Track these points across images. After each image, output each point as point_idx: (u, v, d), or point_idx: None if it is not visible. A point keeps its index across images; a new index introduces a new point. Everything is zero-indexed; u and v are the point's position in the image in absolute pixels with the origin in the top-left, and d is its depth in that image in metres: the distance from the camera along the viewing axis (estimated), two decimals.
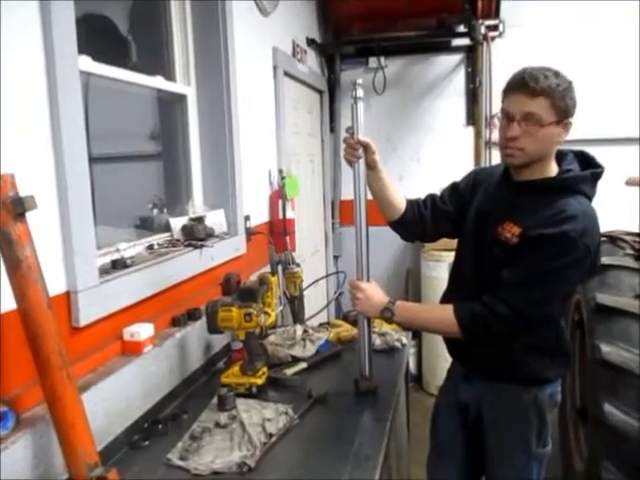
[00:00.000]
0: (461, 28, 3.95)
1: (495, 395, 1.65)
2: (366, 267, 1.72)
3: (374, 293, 1.67)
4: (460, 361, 1.79)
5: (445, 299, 1.76)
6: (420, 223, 1.77)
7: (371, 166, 1.69)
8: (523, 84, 1.44)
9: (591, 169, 1.53)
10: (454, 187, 1.79)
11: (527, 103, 1.44)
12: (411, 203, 1.78)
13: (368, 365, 1.75)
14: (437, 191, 1.83)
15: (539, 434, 1.63)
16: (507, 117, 1.48)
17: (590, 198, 1.51)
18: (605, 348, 2.04)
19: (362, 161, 1.68)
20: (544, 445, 1.65)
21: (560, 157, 1.56)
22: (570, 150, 1.59)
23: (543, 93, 1.42)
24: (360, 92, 1.67)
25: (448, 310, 1.56)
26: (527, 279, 1.47)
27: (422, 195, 1.83)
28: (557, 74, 1.45)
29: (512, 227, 1.50)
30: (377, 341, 2.10)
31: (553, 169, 1.54)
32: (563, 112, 1.45)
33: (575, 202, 1.46)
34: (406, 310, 1.65)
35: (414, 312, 1.70)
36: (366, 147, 1.66)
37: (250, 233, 2.51)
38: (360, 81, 1.69)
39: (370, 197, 1.73)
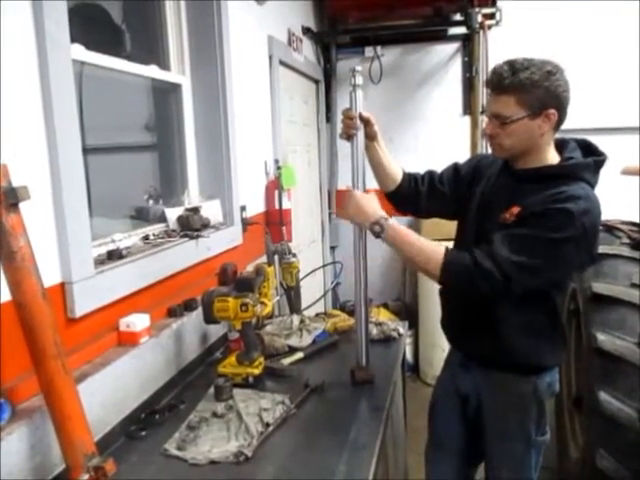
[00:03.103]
0: (458, 17, 3.93)
1: (495, 384, 1.66)
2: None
3: (369, 203, 1.59)
4: (459, 349, 1.80)
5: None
6: (415, 197, 1.80)
7: (371, 137, 1.73)
8: (489, 82, 1.47)
9: (594, 157, 1.52)
10: (455, 170, 1.79)
11: (493, 102, 1.49)
12: (408, 175, 1.82)
13: (365, 355, 1.75)
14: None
15: (538, 422, 1.64)
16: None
17: (592, 186, 1.50)
18: (601, 337, 2.05)
19: (361, 144, 1.69)
20: (543, 433, 1.67)
21: (562, 145, 1.56)
22: (573, 139, 1.58)
23: (506, 91, 1.43)
24: (359, 79, 1.67)
25: (438, 249, 1.51)
26: (519, 243, 1.43)
27: None
28: (529, 65, 1.42)
29: (514, 209, 1.49)
30: (374, 331, 2.10)
31: (554, 157, 1.53)
32: (536, 105, 1.43)
33: (578, 187, 1.45)
34: (397, 232, 1.55)
35: (405, 237, 1.56)
36: (367, 121, 1.68)
37: (246, 223, 2.51)
38: (359, 68, 1.68)
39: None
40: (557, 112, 1.45)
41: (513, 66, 1.42)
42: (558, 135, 1.57)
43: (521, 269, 1.42)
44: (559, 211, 1.40)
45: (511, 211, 1.49)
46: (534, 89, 1.41)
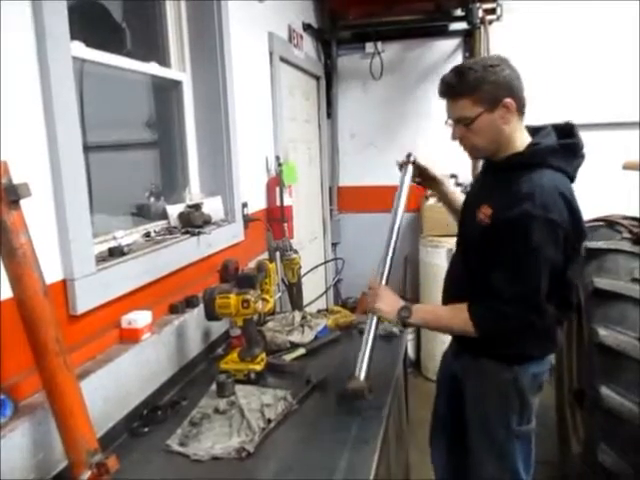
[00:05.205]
0: (458, 12, 3.92)
1: (477, 371, 1.67)
2: (388, 271, 1.72)
3: (391, 294, 1.68)
4: (453, 337, 1.83)
5: (444, 286, 1.79)
6: None
7: (443, 196, 1.90)
8: (442, 92, 1.55)
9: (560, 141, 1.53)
10: None
11: (452, 108, 1.55)
12: None
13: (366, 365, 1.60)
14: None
15: (520, 413, 1.63)
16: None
17: (565, 171, 1.51)
18: (602, 332, 2.05)
19: (404, 195, 1.76)
20: (527, 422, 1.65)
21: (535, 132, 1.58)
22: (553, 124, 1.59)
23: (460, 95, 1.51)
24: (408, 175, 1.78)
25: (463, 310, 1.55)
26: (511, 271, 1.46)
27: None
28: (472, 66, 1.50)
29: (486, 209, 1.52)
30: None
31: (523, 144, 1.55)
32: (490, 98, 1.48)
33: (536, 177, 1.46)
34: (422, 311, 1.66)
35: (430, 313, 1.69)
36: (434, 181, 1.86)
37: (247, 220, 2.51)
38: (412, 158, 1.79)
39: None
40: (513, 99, 1.49)
41: (459, 71, 1.51)
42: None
43: (531, 293, 1.46)
44: (521, 217, 1.42)
45: (484, 211, 1.52)
46: (484, 85, 1.48)
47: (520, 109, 1.52)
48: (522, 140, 1.55)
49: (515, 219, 1.43)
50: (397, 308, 1.62)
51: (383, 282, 1.70)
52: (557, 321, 1.62)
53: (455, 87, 1.52)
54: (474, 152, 1.63)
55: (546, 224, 1.41)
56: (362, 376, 1.57)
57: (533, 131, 1.58)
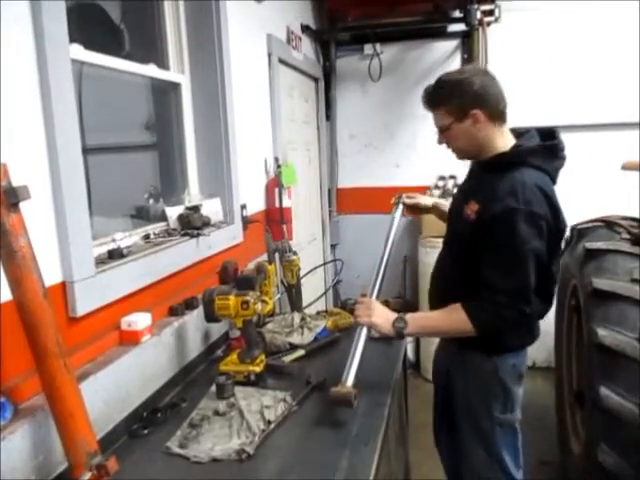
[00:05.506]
0: (457, 13, 3.92)
1: (462, 363, 1.72)
2: (378, 288, 1.79)
3: (382, 307, 1.69)
4: None
5: (430, 285, 1.85)
6: None
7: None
8: (422, 102, 1.69)
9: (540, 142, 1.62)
10: None
11: (433, 117, 1.70)
12: None
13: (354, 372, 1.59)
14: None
15: (504, 401, 1.67)
16: None
17: (546, 170, 1.57)
18: (601, 332, 2.05)
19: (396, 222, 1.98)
20: (511, 411, 1.69)
21: (520, 135, 1.66)
22: (537, 128, 1.67)
23: (436, 106, 1.65)
24: (398, 213, 2.01)
25: (460, 310, 1.56)
26: (503, 268, 1.51)
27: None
28: (447, 79, 1.62)
29: (473, 205, 1.58)
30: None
31: (505, 146, 1.62)
32: (458, 110, 1.59)
33: (518, 175, 1.53)
34: (417, 319, 1.66)
35: (425, 319, 1.72)
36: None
37: (247, 222, 2.51)
38: (402, 200, 2.02)
39: None
40: (481, 110, 1.57)
41: (437, 84, 1.65)
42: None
43: (525, 286, 1.51)
44: (505, 213, 1.49)
45: (471, 207, 1.59)
46: (452, 98, 1.60)
47: (493, 118, 1.59)
48: (505, 142, 1.63)
49: (499, 214, 1.49)
50: (391, 320, 1.63)
51: (374, 296, 1.74)
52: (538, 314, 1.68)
53: (432, 99, 1.65)
54: (460, 154, 1.73)
55: (530, 217, 1.48)
56: (349, 382, 1.56)
57: (519, 134, 1.66)
